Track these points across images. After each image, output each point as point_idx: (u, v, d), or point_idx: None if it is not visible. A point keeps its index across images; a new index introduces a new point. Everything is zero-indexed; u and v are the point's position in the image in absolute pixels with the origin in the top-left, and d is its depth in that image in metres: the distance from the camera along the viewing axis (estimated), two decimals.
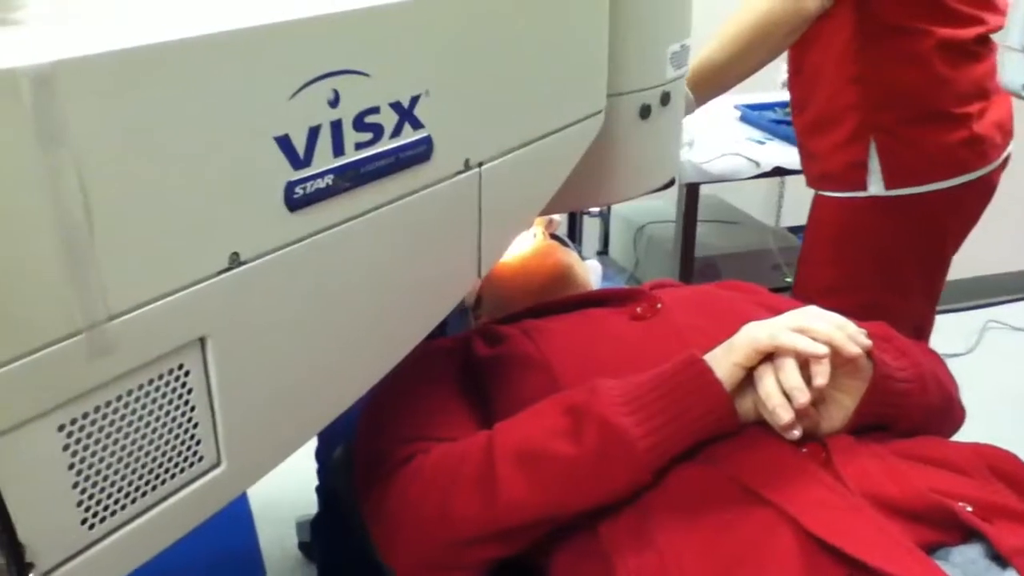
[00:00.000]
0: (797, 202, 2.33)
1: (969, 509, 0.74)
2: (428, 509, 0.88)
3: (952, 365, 1.06)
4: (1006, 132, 1.56)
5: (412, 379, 1.07)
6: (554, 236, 1.40)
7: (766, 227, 2.53)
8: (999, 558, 0.70)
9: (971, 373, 2.48)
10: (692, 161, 2.03)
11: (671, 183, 2.02)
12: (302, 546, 1.93)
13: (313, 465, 1.67)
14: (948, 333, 2.06)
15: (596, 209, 2.49)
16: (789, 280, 2.32)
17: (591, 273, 1.38)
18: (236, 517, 2.03)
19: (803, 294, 1.62)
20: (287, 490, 2.02)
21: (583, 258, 1.42)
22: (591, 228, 2.59)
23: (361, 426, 1.05)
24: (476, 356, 1.09)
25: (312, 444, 1.64)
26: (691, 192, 2.09)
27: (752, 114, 2.28)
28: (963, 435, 0.89)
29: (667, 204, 2.23)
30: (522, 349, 1.05)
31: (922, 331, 1.70)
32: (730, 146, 2.11)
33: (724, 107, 2.37)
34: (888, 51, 1.46)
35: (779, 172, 2.09)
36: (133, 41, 0.56)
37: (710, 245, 2.35)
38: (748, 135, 2.21)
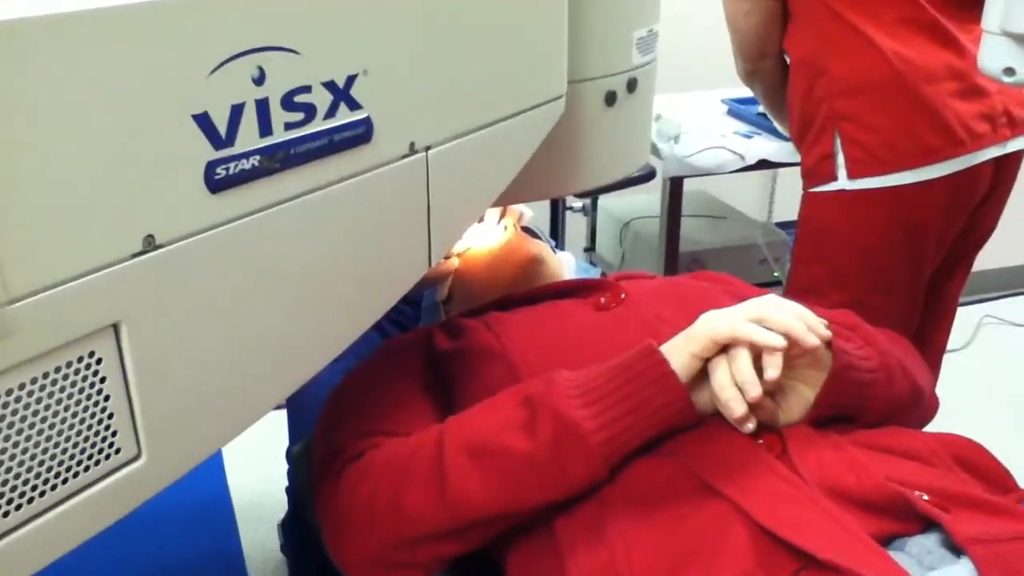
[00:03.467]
0: (789, 197, 2.29)
1: (926, 498, 0.71)
2: (378, 506, 0.86)
3: (948, 360, 1.03)
4: (1001, 124, 1.48)
5: (371, 374, 1.05)
6: (525, 228, 1.37)
7: (754, 222, 2.50)
8: (956, 547, 0.67)
9: (967, 368, 2.47)
10: (676, 155, 2.00)
11: (651, 175, 2.01)
12: (284, 548, 1.90)
13: None
14: None
15: (579, 204, 2.45)
16: (777, 275, 2.29)
17: (563, 265, 1.36)
18: (219, 519, 2.00)
19: (792, 294, 1.59)
20: (270, 492, 2.01)
21: (555, 251, 1.40)
22: (576, 224, 2.56)
23: (319, 421, 1.02)
24: (438, 350, 1.07)
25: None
26: (675, 186, 2.06)
27: (739, 108, 2.25)
28: (956, 430, 0.86)
29: (653, 199, 2.20)
30: (482, 341, 1.02)
31: (923, 331, 1.65)
32: (716, 140, 2.08)
33: (711, 101, 2.34)
34: (834, 33, 1.45)
35: (764, 165, 2.06)
36: (38, 10, 0.53)
37: (696, 240, 2.32)
38: (735, 129, 2.18)
